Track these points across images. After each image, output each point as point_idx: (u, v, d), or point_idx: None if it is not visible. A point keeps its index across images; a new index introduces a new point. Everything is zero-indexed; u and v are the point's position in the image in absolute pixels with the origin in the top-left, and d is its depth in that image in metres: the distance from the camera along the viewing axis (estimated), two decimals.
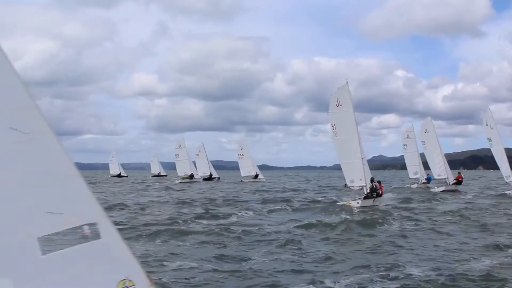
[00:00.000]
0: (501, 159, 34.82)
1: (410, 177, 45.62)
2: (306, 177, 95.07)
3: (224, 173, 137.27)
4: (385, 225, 18.28)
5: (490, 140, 35.46)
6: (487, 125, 35.71)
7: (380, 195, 26.28)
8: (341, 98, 26.53)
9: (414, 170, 45.25)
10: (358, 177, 26.23)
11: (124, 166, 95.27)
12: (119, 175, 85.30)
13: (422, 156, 46.31)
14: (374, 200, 25.55)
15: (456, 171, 46.16)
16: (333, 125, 26.62)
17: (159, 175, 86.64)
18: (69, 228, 3.75)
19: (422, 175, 45.12)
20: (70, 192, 3.92)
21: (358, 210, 23.59)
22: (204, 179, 63.85)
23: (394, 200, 28.81)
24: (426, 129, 42.23)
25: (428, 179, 44.36)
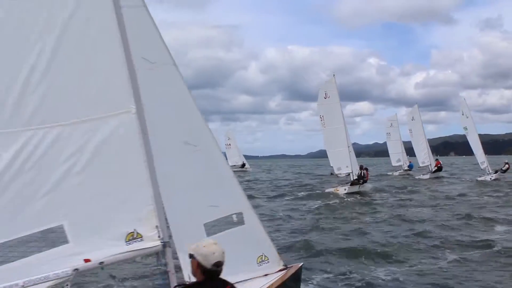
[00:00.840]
0: (476, 146, 36.78)
1: (393, 164, 46.28)
2: (289, 165, 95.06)
3: None
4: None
5: (466, 129, 37.28)
6: (463, 114, 37.46)
7: (366, 181, 27.25)
8: (329, 91, 28.11)
9: (397, 157, 45.89)
10: (344, 164, 27.82)
11: None
12: None
13: (404, 144, 47.28)
14: (359, 186, 26.54)
15: (450, 157, 47.31)
16: (321, 116, 28.43)
17: None
18: (223, 217, 5.26)
19: (404, 162, 45.77)
20: (225, 189, 5.43)
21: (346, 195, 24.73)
22: None
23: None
24: (413, 117, 43.26)
25: (410, 167, 45.03)
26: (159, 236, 4.20)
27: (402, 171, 44.74)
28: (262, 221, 12.97)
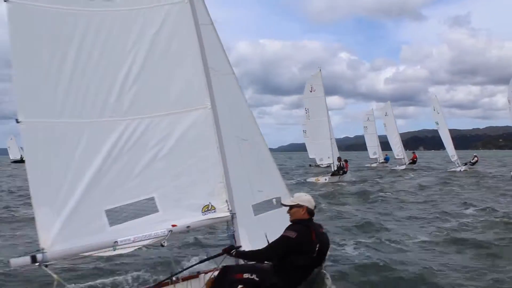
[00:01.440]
0: (447, 140, 38.88)
1: (370, 157, 48.10)
2: None
3: None
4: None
5: (437, 123, 39.40)
6: (434, 110, 39.51)
7: (346, 172, 28.76)
8: (314, 84, 29.48)
9: (373, 150, 47.76)
10: (326, 155, 29.58)
11: None
12: (21, 160, 76.94)
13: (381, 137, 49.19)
14: (340, 177, 27.97)
15: (414, 151, 49.47)
16: (306, 109, 29.89)
17: None
18: (266, 200, 6.26)
19: (380, 155, 47.69)
20: (268, 176, 6.50)
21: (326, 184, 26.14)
22: None
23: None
24: (386, 112, 45.40)
25: (386, 159, 47.05)
26: (228, 208, 5.27)
27: (378, 163, 46.80)
28: None
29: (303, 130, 47.80)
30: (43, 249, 4.30)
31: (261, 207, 6.12)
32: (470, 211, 14.96)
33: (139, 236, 4.67)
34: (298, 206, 5.00)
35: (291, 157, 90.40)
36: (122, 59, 4.91)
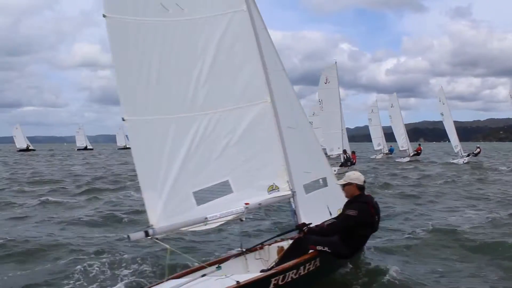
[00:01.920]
0: (451, 131, 39.44)
1: (375, 148, 48.79)
2: None
3: None
4: None
5: (442, 114, 39.94)
6: (440, 101, 40.11)
7: (354, 164, 29.60)
8: (330, 76, 30.22)
9: (378, 142, 48.59)
10: (337, 146, 30.39)
11: (66, 139, 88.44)
12: (27, 149, 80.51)
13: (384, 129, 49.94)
14: (348, 168, 28.47)
15: (417, 143, 49.95)
16: (320, 100, 30.70)
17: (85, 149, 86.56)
18: (313, 180, 7.07)
19: (384, 146, 48.45)
20: (315, 159, 7.38)
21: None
22: None
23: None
24: (392, 104, 45.76)
25: (391, 150, 47.81)
26: (289, 187, 6.16)
27: (383, 154, 47.36)
28: None
29: (310, 122, 48.17)
30: (152, 226, 5.23)
31: (311, 187, 6.94)
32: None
33: (223, 213, 5.58)
34: (349, 184, 5.98)
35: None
36: (194, 62, 5.78)
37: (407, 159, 41.46)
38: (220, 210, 5.59)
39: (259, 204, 5.93)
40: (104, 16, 5.28)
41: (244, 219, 5.70)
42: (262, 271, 5.51)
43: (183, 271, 5.76)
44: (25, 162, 46.06)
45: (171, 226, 5.33)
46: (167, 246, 5.21)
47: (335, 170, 28.30)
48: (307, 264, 5.58)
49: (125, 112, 5.36)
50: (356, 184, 5.97)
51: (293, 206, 6.29)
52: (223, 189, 5.78)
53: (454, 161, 38.00)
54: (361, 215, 5.74)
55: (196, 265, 5.93)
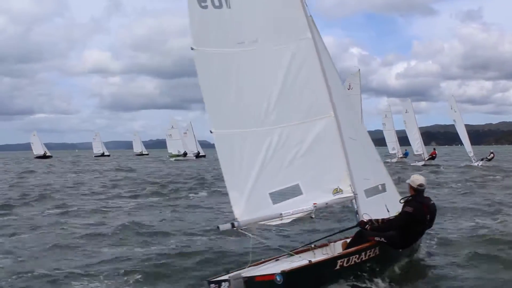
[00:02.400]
0: (464, 137, 40.52)
1: (390, 152, 49.64)
2: None
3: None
4: None
5: (455, 121, 41.47)
6: (451, 108, 41.30)
7: None
8: (353, 83, 31.96)
9: (392, 146, 49.54)
10: None
11: (77, 146, 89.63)
12: (44, 155, 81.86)
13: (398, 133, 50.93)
14: None
15: (431, 147, 50.55)
16: None
17: (102, 155, 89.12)
18: (373, 186, 7.99)
19: (398, 150, 49.42)
20: (374, 167, 8.35)
21: None
22: (197, 156, 66.90)
23: None
24: (406, 110, 46.54)
25: (406, 154, 48.69)
26: (352, 190, 7.15)
27: (397, 158, 48.18)
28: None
29: None
30: (237, 219, 6.36)
31: (371, 192, 7.88)
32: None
33: (296, 210, 6.66)
34: (409, 185, 7.05)
35: None
36: (267, 84, 6.86)
37: (422, 162, 42.16)
38: (292, 208, 6.65)
39: (326, 203, 6.96)
40: (192, 49, 6.49)
41: (313, 217, 6.75)
42: None
43: (262, 260, 6.86)
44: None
45: (252, 219, 6.46)
46: (250, 235, 6.38)
47: None
48: (368, 251, 6.60)
49: (212, 126, 6.57)
50: (409, 184, 7.03)
51: (355, 207, 7.28)
52: (294, 191, 6.80)
53: (474, 163, 38.40)
54: (415, 212, 6.74)
55: (272, 256, 7.08)
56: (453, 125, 42.14)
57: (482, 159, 39.76)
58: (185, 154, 65.47)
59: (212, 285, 6.17)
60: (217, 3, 6.47)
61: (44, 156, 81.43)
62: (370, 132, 9.60)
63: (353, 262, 6.33)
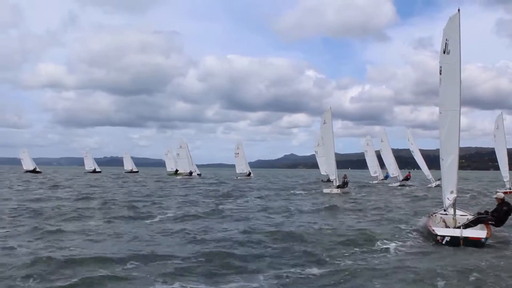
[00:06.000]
0: (421, 164, 48.90)
1: (372, 175, 57.31)
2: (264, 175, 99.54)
3: (147, 170, 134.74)
4: None
5: (413, 152, 50.68)
6: (408, 140, 51.11)
7: (347, 185, 38.42)
8: (326, 118, 37.89)
9: (374, 170, 57.33)
10: (332, 173, 38.50)
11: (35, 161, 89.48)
12: (34, 171, 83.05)
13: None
14: (344, 188, 37.34)
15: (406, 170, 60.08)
16: (322, 137, 40.49)
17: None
18: (455, 197, 14.01)
19: (379, 174, 56.89)
20: (454, 183, 14.33)
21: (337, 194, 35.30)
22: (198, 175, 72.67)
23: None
24: (382, 139, 54.67)
25: (386, 177, 55.85)
26: (454, 199, 13.52)
27: (378, 180, 55.35)
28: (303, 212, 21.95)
29: (315, 151, 61.23)
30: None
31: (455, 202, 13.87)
32: None
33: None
34: (496, 198, 13.41)
35: (262, 175, 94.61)
36: None
37: (397, 183, 49.06)
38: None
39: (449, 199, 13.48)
40: None
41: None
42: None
43: None
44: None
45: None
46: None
47: (338, 190, 35.98)
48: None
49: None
50: (496, 198, 13.38)
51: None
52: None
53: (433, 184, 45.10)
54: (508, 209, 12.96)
55: None
56: (406, 150, 48.75)
57: (439, 179, 44.62)
58: (190, 173, 67.78)
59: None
60: None
61: (34, 171, 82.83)
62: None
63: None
